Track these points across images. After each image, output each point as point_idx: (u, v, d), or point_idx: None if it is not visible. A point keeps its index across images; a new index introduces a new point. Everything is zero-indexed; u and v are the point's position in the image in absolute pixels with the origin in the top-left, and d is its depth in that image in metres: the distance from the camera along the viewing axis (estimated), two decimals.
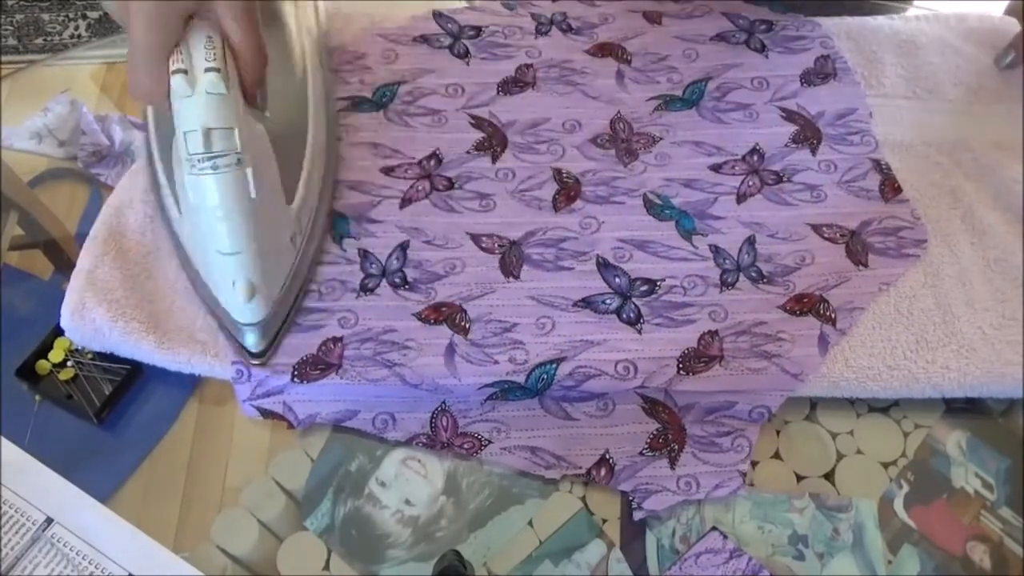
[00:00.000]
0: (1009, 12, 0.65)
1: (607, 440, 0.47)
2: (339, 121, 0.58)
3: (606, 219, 0.54)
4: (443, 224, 0.53)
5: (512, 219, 0.54)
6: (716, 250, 0.52)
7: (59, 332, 0.49)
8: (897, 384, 0.47)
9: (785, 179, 0.56)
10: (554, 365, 0.47)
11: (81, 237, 0.52)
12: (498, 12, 0.64)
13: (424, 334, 0.48)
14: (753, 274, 0.51)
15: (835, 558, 0.44)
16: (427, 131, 0.58)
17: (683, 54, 0.62)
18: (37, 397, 0.49)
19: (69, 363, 0.49)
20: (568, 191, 0.55)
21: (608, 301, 0.50)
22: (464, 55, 0.62)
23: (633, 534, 0.45)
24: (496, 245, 0.52)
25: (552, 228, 0.53)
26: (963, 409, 0.49)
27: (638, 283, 0.51)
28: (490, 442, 0.47)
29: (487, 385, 0.47)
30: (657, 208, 0.54)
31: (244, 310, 0.44)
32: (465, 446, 0.46)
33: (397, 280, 0.51)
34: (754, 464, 0.47)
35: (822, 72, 0.61)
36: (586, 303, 0.50)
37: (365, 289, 0.50)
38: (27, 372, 0.49)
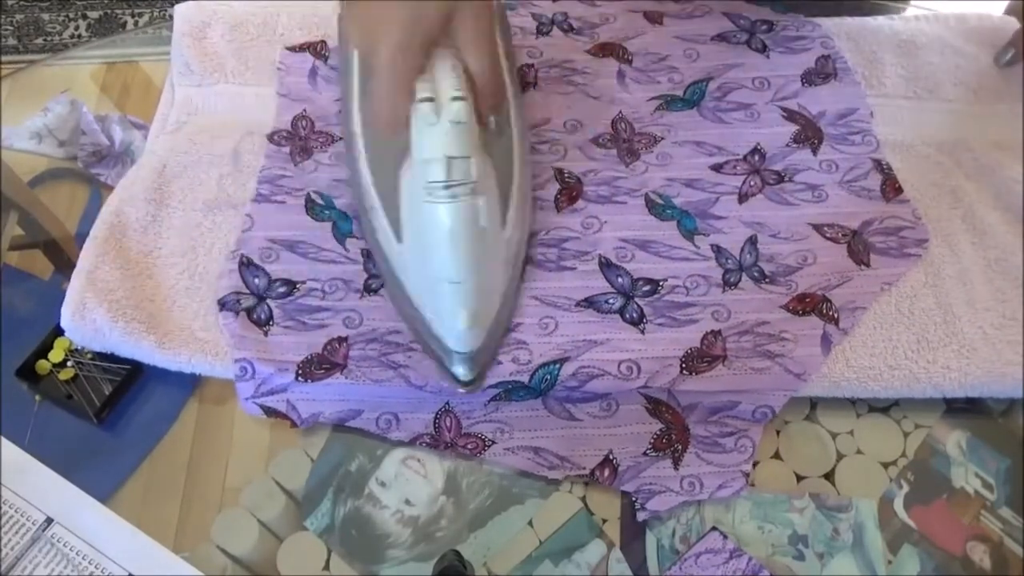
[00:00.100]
0: (1009, 12, 0.65)
1: (611, 440, 0.47)
2: (340, 120, 0.58)
3: (608, 219, 0.54)
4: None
5: None
6: (718, 250, 0.52)
7: (59, 332, 0.49)
8: (898, 384, 0.47)
9: (786, 179, 0.56)
10: (558, 365, 0.47)
11: (81, 237, 0.52)
12: None
13: None
14: (755, 274, 0.51)
15: (835, 558, 0.44)
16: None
17: (684, 54, 0.62)
18: (37, 397, 0.49)
19: (69, 363, 0.49)
20: (570, 191, 0.55)
21: (611, 301, 0.50)
22: None
23: (633, 534, 0.45)
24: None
25: (554, 228, 0.53)
26: (963, 409, 0.49)
27: (640, 283, 0.51)
28: (494, 442, 0.47)
29: (491, 386, 0.47)
30: (659, 208, 0.54)
31: (462, 339, 0.44)
32: (469, 446, 0.46)
33: None
34: (754, 464, 0.47)
35: (823, 72, 0.61)
36: (589, 303, 0.50)
37: (369, 289, 0.50)
38: (27, 372, 0.49)
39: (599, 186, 0.55)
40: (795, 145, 0.58)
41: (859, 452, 0.48)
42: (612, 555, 0.44)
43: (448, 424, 0.47)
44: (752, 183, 0.56)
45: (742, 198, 0.55)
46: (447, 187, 0.40)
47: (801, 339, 0.48)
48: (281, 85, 0.60)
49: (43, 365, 0.49)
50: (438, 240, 0.41)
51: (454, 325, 0.43)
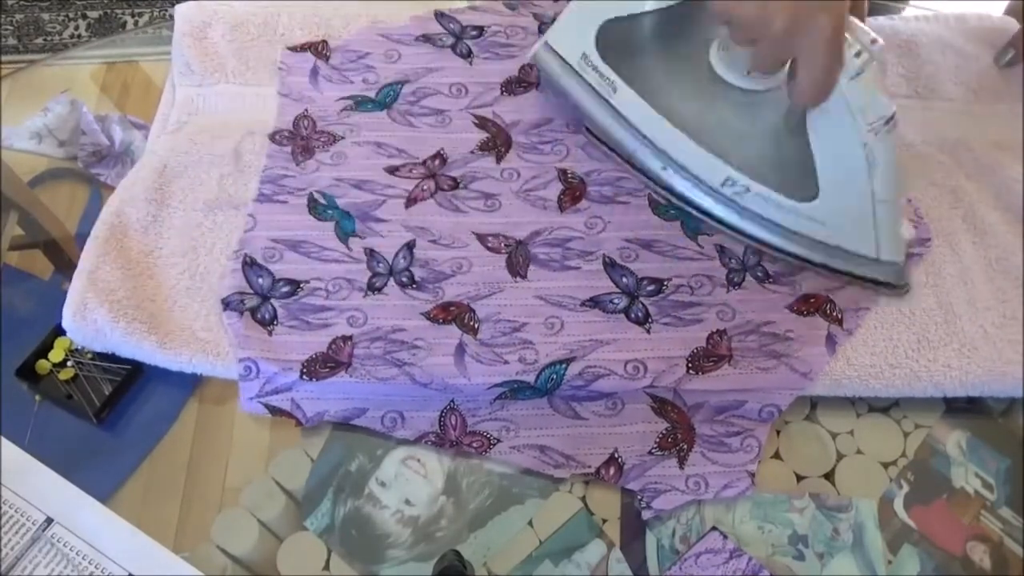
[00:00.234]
0: (1009, 12, 0.65)
1: (616, 439, 0.47)
2: (343, 120, 0.58)
3: (612, 219, 0.54)
4: (449, 224, 0.53)
5: (517, 219, 0.54)
6: (722, 249, 0.52)
7: (59, 332, 0.49)
8: (899, 383, 0.47)
9: None
10: (564, 365, 0.47)
11: (81, 237, 0.52)
12: (500, 12, 0.64)
13: (433, 333, 0.48)
14: (759, 273, 0.52)
15: (835, 558, 0.44)
16: (431, 131, 0.58)
17: None
18: (37, 397, 0.49)
19: (69, 363, 0.49)
20: (573, 191, 0.55)
21: (616, 301, 0.50)
22: (467, 55, 0.62)
23: (633, 534, 0.45)
24: (502, 245, 0.52)
25: (558, 228, 0.53)
26: (963, 409, 0.49)
27: (645, 282, 0.51)
28: (499, 441, 0.47)
29: (497, 385, 0.47)
30: (662, 208, 0.54)
31: (897, 249, 0.48)
32: (474, 445, 0.46)
33: (404, 279, 0.51)
34: None
35: None
36: (594, 303, 0.50)
37: (373, 288, 0.50)
38: (27, 372, 0.49)
39: (602, 186, 0.55)
40: None
41: (859, 452, 0.48)
42: (612, 555, 0.44)
43: (453, 422, 0.47)
44: None
45: None
46: (887, 121, 0.44)
47: (806, 339, 0.48)
48: (282, 85, 0.60)
49: (43, 365, 0.49)
50: (884, 169, 0.46)
51: (895, 236, 0.48)
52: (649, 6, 0.51)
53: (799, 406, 0.49)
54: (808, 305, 0.50)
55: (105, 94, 0.63)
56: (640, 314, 0.49)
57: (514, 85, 0.60)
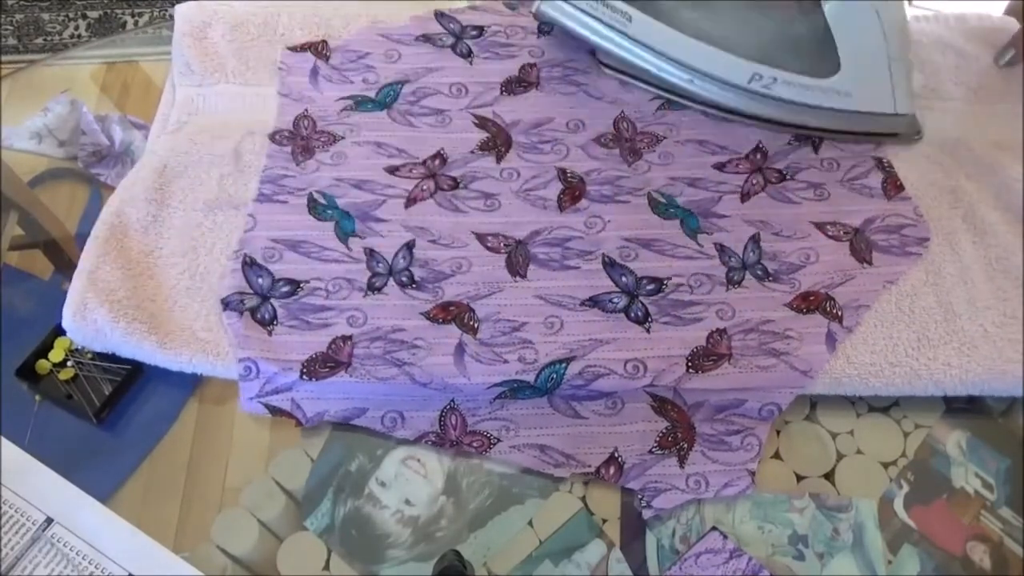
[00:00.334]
0: (1009, 12, 0.65)
1: (616, 438, 0.47)
2: (343, 120, 0.58)
3: (611, 218, 0.54)
4: (448, 224, 0.53)
5: (517, 219, 0.54)
6: (721, 248, 0.52)
7: (59, 332, 0.49)
8: (899, 381, 0.47)
9: (788, 177, 0.56)
10: (564, 364, 0.47)
11: (81, 237, 0.52)
12: (500, 12, 0.64)
13: (433, 333, 0.48)
14: (759, 272, 0.52)
15: (835, 558, 0.44)
16: (431, 131, 0.58)
17: None
18: (37, 397, 0.49)
19: (69, 363, 0.49)
20: (573, 190, 0.55)
21: (615, 300, 0.50)
22: (467, 55, 0.62)
23: (633, 534, 0.45)
24: (502, 244, 0.52)
25: (557, 227, 0.53)
26: (963, 409, 0.49)
27: (645, 282, 0.51)
28: (499, 440, 0.47)
29: (496, 384, 0.47)
30: (662, 207, 0.54)
31: (911, 100, 0.54)
32: (474, 444, 0.46)
33: (404, 279, 0.51)
34: None
35: None
36: (593, 302, 0.50)
37: (372, 288, 0.50)
38: (27, 372, 0.49)
39: (602, 185, 0.55)
40: (796, 143, 0.58)
41: (859, 452, 0.48)
42: (612, 555, 0.44)
43: (453, 422, 0.47)
44: (754, 182, 0.56)
45: (744, 197, 0.55)
46: None
47: (806, 337, 0.48)
48: (282, 85, 0.60)
49: (43, 365, 0.49)
50: (894, 27, 0.50)
51: (908, 89, 0.53)
52: None
53: (799, 406, 0.49)
54: (808, 303, 0.50)
55: (105, 94, 0.63)
56: (640, 313, 0.49)
57: (514, 85, 0.60)
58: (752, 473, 0.46)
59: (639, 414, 0.47)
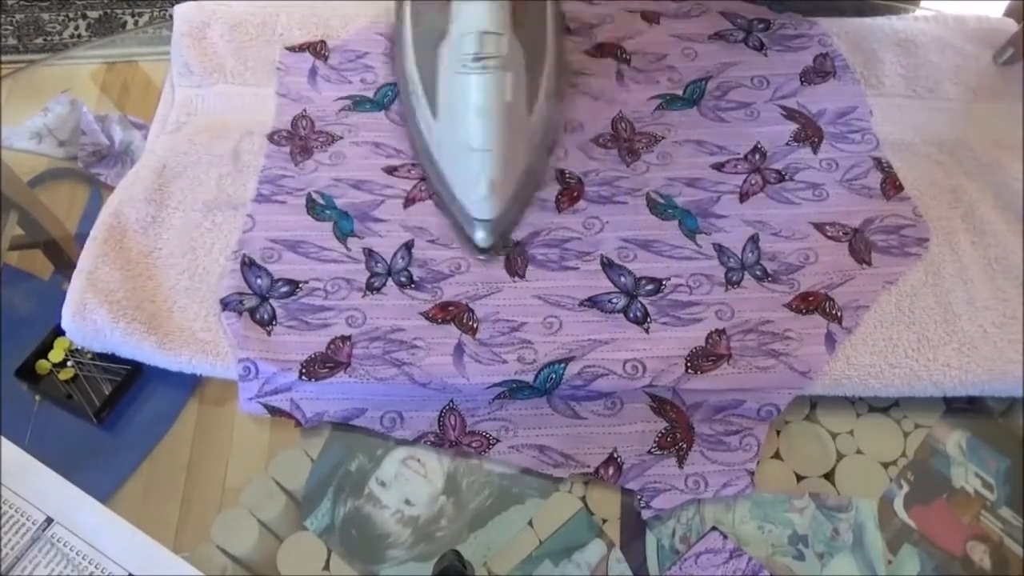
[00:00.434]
0: (1009, 13, 0.65)
1: (615, 439, 0.47)
2: (342, 120, 0.58)
3: (609, 219, 0.54)
4: (447, 224, 0.53)
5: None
6: (720, 249, 0.52)
7: (59, 332, 0.49)
8: (899, 382, 0.47)
9: (787, 177, 0.56)
10: (563, 365, 0.47)
11: (81, 237, 0.52)
12: None
13: (432, 333, 0.48)
14: (758, 272, 0.51)
15: (835, 558, 0.44)
16: None
17: (682, 53, 0.62)
18: (37, 397, 0.49)
19: (69, 363, 0.49)
20: (571, 191, 0.55)
21: (614, 300, 0.50)
22: None
23: (633, 534, 0.45)
24: (501, 245, 0.52)
25: (556, 228, 0.53)
26: (963, 409, 0.49)
27: (643, 282, 0.51)
28: (498, 440, 0.47)
29: (496, 384, 0.47)
30: (660, 207, 0.54)
31: (483, 206, 0.48)
32: (473, 444, 0.46)
33: (403, 279, 0.51)
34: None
35: (821, 70, 0.61)
36: (592, 302, 0.50)
37: (371, 288, 0.50)
38: (27, 372, 0.49)
39: (600, 186, 0.55)
40: (795, 144, 0.58)
41: (859, 452, 0.48)
42: (612, 555, 0.44)
43: (452, 422, 0.47)
44: (753, 182, 0.56)
45: (743, 197, 0.55)
46: (477, 59, 0.43)
47: (805, 338, 0.48)
48: (281, 85, 0.60)
49: (43, 365, 0.49)
50: (467, 110, 0.45)
51: (477, 191, 0.47)
52: None
53: (799, 406, 0.49)
54: (807, 303, 0.50)
55: (105, 94, 0.63)
56: (639, 314, 0.49)
57: None
58: (751, 473, 0.46)
59: (638, 414, 0.47)
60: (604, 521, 0.45)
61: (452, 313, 0.49)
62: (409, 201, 0.54)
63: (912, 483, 0.47)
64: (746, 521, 0.45)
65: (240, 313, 0.49)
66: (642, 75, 0.61)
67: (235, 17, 0.62)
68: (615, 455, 0.46)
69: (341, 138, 0.57)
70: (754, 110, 0.59)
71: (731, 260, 0.52)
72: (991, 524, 0.46)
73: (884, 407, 0.49)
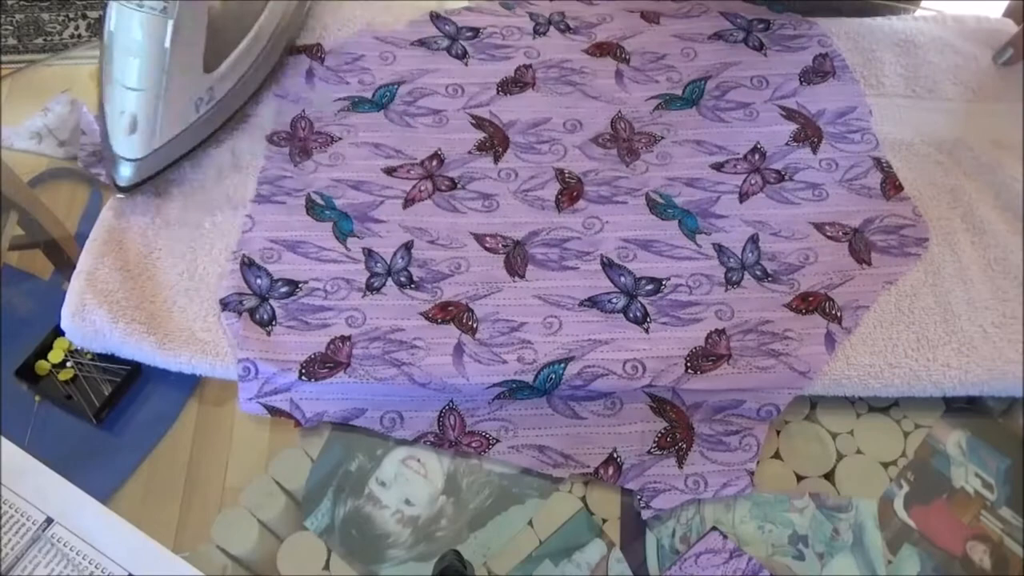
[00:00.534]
0: (1008, 14, 0.65)
1: (615, 439, 0.47)
2: (340, 120, 0.58)
3: (609, 219, 0.54)
4: (446, 224, 0.53)
5: (515, 219, 0.54)
6: (720, 249, 0.52)
7: (59, 332, 0.49)
8: (899, 382, 0.47)
9: (787, 177, 0.56)
10: (562, 365, 0.47)
11: (81, 237, 0.52)
12: (496, 12, 0.64)
13: (432, 333, 0.48)
14: (758, 272, 0.52)
15: (835, 558, 0.44)
16: (428, 131, 0.58)
17: (681, 53, 0.62)
18: (37, 397, 0.49)
19: (69, 363, 0.49)
20: (571, 191, 0.55)
21: (614, 300, 0.50)
22: (462, 56, 0.62)
23: (633, 534, 0.45)
24: (500, 245, 0.52)
25: (555, 228, 0.53)
26: (963, 409, 0.49)
27: (643, 282, 0.51)
28: (498, 440, 0.47)
29: (495, 384, 0.47)
30: (660, 207, 0.54)
31: (123, 143, 0.49)
32: (473, 444, 0.46)
33: (403, 279, 0.51)
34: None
35: (821, 70, 0.61)
36: (592, 302, 0.50)
37: (371, 288, 0.50)
38: (27, 372, 0.49)
39: (600, 186, 0.55)
40: (795, 144, 0.58)
41: (859, 452, 0.48)
42: (612, 555, 0.44)
43: (452, 422, 0.47)
44: (753, 182, 0.56)
45: (743, 197, 0.55)
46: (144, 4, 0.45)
47: (805, 338, 0.48)
48: (279, 86, 0.60)
49: (43, 365, 0.49)
50: (121, 44, 0.47)
51: (118, 126, 0.49)
52: None
53: (799, 406, 0.49)
54: (807, 303, 0.50)
55: None
56: (638, 314, 0.50)
57: (510, 85, 0.60)
58: (751, 473, 0.46)
59: (638, 414, 0.47)
60: (604, 521, 0.45)
61: (452, 313, 0.49)
62: (408, 202, 0.54)
63: (912, 483, 0.47)
64: (746, 521, 0.45)
65: (240, 313, 0.49)
66: (642, 75, 0.61)
67: None
68: (615, 455, 0.46)
69: (340, 139, 0.57)
70: (753, 110, 0.59)
71: (731, 260, 0.52)
72: (991, 524, 0.46)
73: (884, 407, 0.49)
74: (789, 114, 0.59)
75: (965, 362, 0.48)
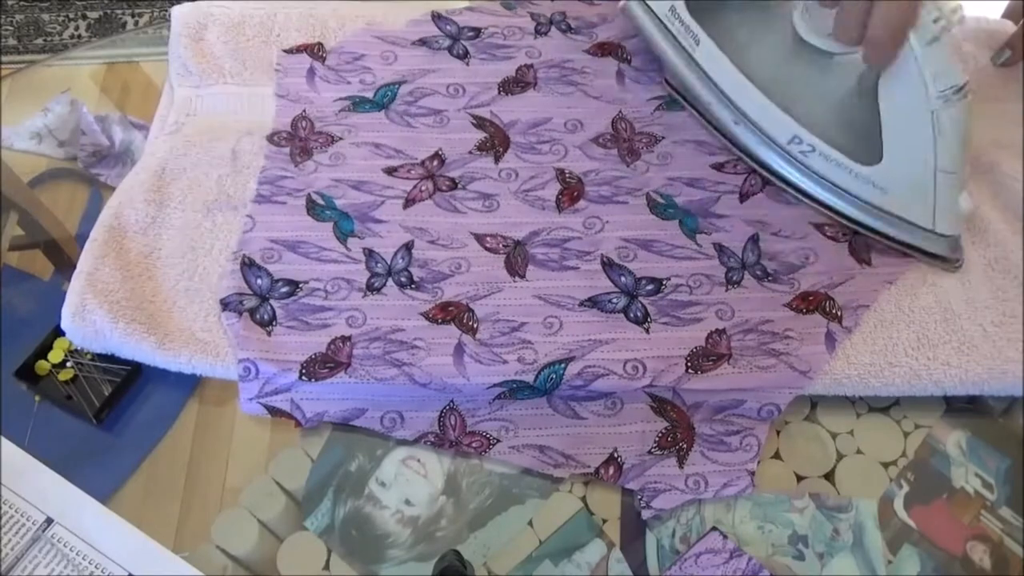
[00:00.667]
0: (1007, 14, 0.65)
1: (615, 439, 0.47)
2: (341, 120, 0.58)
3: (610, 219, 0.54)
4: (447, 224, 0.53)
5: (516, 219, 0.54)
6: (720, 248, 0.52)
7: (59, 332, 0.49)
8: (899, 381, 0.47)
9: None
10: (563, 365, 0.47)
11: (81, 237, 0.52)
12: (497, 12, 0.64)
13: (432, 333, 0.48)
14: (758, 272, 0.52)
15: (835, 558, 0.44)
16: (429, 131, 0.58)
17: None
18: (37, 397, 0.49)
19: (69, 363, 0.49)
20: (571, 191, 0.55)
21: (614, 300, 0.50)
22: (463, 56, 0.62)
23: (633, 534, 0.45)
24: (501, 245, 0.52)
25: (556, 228, 0.53)
26: (963, 409, 0.49)
27: (644, 282, 0.51)
28: (498, 441, 0.47)
29: (496, 384, 0.47)
30: (660, 207, 0.55)
31: (958, 221, 0.49)
32: (473, 445, 0.46)
33: (403, 279, 0.51)
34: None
35: None
36: (592, 302, 0.50)
37: (371, 288, 0.50)
38: (27, 372, 0.49)
39: (600, 186, 0.55)
40: None
41: (859, 452, 0.48)
42: (612, 555, 0.44)
43: (453, 422, 0.47)
44: (753, 182, 0.56)
45: (743, 197, 0.55)
46: (958, 91, 0.45)
47: (806, 337, 0.48)
48: (279, 86, 0.60)
49: (43, 365, 0.49)
50: (950, 139, 0.46)
51: (954, 209, 0.48)
52: None
53: (799, 406, 0.49)
54: (807, 303, 0.50)
55: (105, 94, 0.63)
56: (639, 314, 0.50)
57: (511, 85, 0.60)
58: (751, 473, 0.46)
59: (638, 415, 0.47)
60: (604, 521, 0.45)
61: (452, 313, 0.49)
62: (409, 202, 0.54)
63: (912, 483, 0.47)
64: (746, 521, 0.45)
65: (240, 313, 0.49)
66: (643, 75, 0.61)
67: (232, 18, 0.62)
68: (615, 455, 0.46)
69: (341, 139, 0.57)
70: None
71: (731, 260, 0.52)
72: (991, 524, 0.46)
73: (884, 407, 0.49)
74: None
75: (965, 361, 0.48)
